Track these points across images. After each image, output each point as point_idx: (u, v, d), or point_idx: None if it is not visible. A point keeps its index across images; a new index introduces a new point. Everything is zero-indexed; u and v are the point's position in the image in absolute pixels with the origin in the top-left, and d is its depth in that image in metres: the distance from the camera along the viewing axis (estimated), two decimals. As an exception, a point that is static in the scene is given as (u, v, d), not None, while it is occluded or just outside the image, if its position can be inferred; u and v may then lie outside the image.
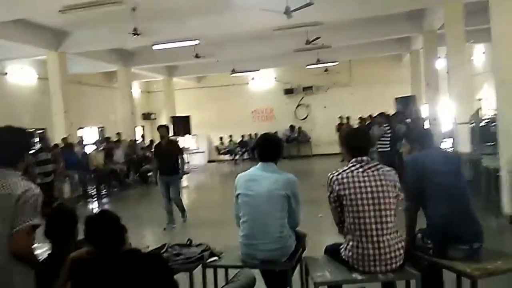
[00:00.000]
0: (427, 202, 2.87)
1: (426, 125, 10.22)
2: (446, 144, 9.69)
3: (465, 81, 9.00)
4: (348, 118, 16.62)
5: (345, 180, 2.73)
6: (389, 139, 8.87)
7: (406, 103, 12.76)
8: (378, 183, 2.69)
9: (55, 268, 2.39)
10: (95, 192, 11.14)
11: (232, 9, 9.32)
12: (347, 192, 2.70)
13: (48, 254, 2.63)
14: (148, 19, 9.48)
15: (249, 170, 3.21)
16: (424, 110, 12.61)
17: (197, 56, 12.49)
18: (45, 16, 9.31)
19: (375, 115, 11.00)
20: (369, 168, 2.75)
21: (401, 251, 2.69)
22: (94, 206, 10.14)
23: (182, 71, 17.13)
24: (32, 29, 9.90)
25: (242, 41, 12.74)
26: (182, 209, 7.34)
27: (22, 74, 12.80)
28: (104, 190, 11.44)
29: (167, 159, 6.93)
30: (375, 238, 2.63)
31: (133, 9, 8.92)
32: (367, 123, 14.12)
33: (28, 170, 2.63)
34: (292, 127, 18.67)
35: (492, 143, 7.56)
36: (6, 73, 12.36)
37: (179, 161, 7.01)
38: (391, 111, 11.74)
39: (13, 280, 2.26)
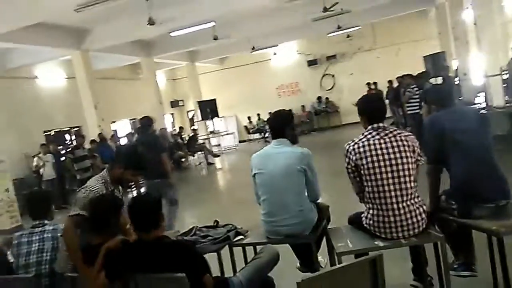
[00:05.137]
0: (450, 162, 2.79)
1: (456, 81, 9.80)
2: (479, 99, 9.31)
3: (493, 30, 8.54)
4: (375, 83, 16.11)
5: (361, 150, 2.69)
6: (418, 100, 8.60)
7: (435, 60, 12.25)
8: (396, 149, 2.63)
9: (92, 256, 2.53)
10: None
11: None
12: (364, 161, 2.67)
13: (87, 243, 2.77)
14: (163, 7, 9.50)
15: (262, 149, 3.23)
16: (454, 66, 12.10)
17: (215, 38, 12.45)
18: (62, 16, 9.50)
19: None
20: (386, 134, 2.69)
21: (423, 216, 2.65)
22: (132, 195, 10.53)
23: (204, 55, 17.15)
24: (53, 31, 10.16)
25: (258, 16, 12.54)
26: None
27: (52, 76, 13.26)
28: (141, 180, 11.81)
29: None
30: (395, 205, 2.61)
31: (146, -1, 8.97)
32: (395, 86, 13.74)
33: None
34: (319, 98, 18.42)
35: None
36: (36, 77, 12.85)
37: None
38: (422, 70, 11.32)
39: None
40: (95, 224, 2.67)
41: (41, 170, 9.84)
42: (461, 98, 9.65)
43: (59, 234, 2.97)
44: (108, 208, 2.67)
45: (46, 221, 3.09)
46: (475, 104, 9.24)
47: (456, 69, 11.58)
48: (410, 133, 2.78)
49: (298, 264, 3.43)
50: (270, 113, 19.65)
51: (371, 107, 2.82)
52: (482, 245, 2.96)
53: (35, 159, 10.06)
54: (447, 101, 2.98)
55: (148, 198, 2.52)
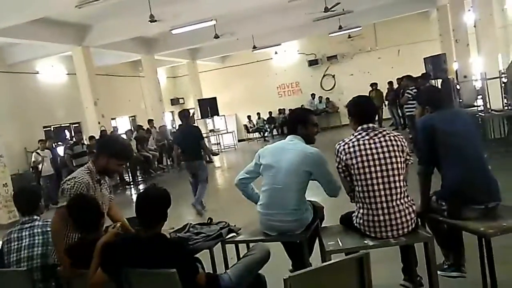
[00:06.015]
0: (441, 164, 2.82)
1: (456, 83, 9.80)
2: (479, 101, 9.30)
3: (493, 33, 8.54)
4: (375, 84, 15.96)
5: (351, 150, 2.73)
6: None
7: (436, 62, 12.25)
8: (385, 149, 2.67)
9: (86, 252, 2.56)
10: (131, 180, 11.58)
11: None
12: (354, 161, 2.71)
13: (79, 238, 2.80)
14: (164, 4, 9.53)
15: (275, 143, 3.29)
16: (454, 68, 12.10)
17: (216, 36, 12.48)
18: (64, 12, 9.54)
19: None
20: (375, 134, 2.74)
21: (412, 215, 2.68)
22: (132, 193, 10.59)
23: (205, 53, 17.17)
24: (55, 27, 10.18)
25: (260, 16, 12.57)
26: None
27: (53, 71, 13.30)
28: (140, 177, 11.88)
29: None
30: (384, 204, 2.64)
31: (148, -4, 9.00)
32: (395, 87, 13.75)
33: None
34: (313, 95, 18.38)
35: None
36: (37, 72, 12.89)
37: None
38: (422, 72, 11.33)
39: None
40: (81, 226, 2.71)
41: (40, 166, 9.86)
42: (461, 100, 9.65)
43: (48, 229, 2.99)
44: (90, 210, 2.70)
45: (35, 217, 3.11)
46: (475, 106, 9.24)
47: (456, 71, 11.58)
48: (399, 133, 2.82)
49: (291, 266, 3.45)
50: (270, 112, 19.72)
51: (360, 109, 2.87)
52: (472, 246, 2.98)
53: (34, 154, 10.08)
54: (440, 103, 3.00)
55: (155, 193, 2.47)
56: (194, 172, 6.77)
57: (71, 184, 2.81)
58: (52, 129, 13.14)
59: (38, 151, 10.04)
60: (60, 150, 11.40)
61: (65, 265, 2.65)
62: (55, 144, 12.07)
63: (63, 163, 10.19)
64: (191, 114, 7.07)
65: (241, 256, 3.23)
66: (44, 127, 12.69)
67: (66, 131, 13.64)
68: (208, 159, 7.25)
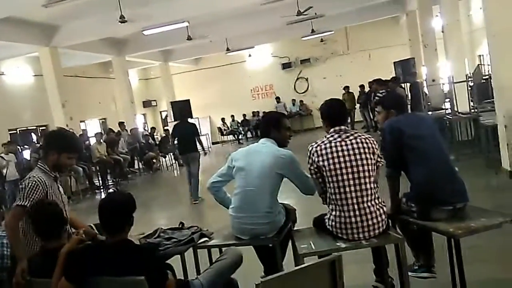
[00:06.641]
0: (408, 167, 2.86)
1: (423, 87, 10.06)
2: (447, 105, 9.57)
3: (460, 38, 8.81)
4: (347, 87, 16.16)
5: (323, 152, 2.74)
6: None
7: (405, 66, 12.54)
8: (356, 151, 2.69)
9: (49, 260, 2.45)
10: (100, 184, 11.29)
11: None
12: (325, 163, 2.71)
13: (40, 247, 2.68)
14: (136, 5, 9.35)
15: (247, 146, 3.27)
16: (423, 72, 12.42)
17: (189, 38, 12.36)
18: (31, 11, 9.24)
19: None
20: (347, 137, 2.76)
21: (383, 217, 2.70)
22: (100, 198, 10.30)
23: (178, 55, 17.01)
24: (21, 26, 9.84)
25: (233, 18, 12.55)
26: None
27: (18, 73, 12.85)
28: (110, 181, 11.59)
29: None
30: (355, 206, 2.65)
31: (118, -4, 8.80)
32: (367, 91, 14.00)
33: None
34: (278, 99, 18.46)
35: (492, 100, 7.46)
36: (2, 73, 12.42)
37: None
38: (392, 75, 11.58)
39: None
40: (42, 234, 2.59)
41: (4, 171, 9.46)
42: (429, 103, 9.90)
43: (5, 241, 2.81)
44: (52, 218, 2.58)
45: None
46: (443, 109, 9.50)
47: (426, 75, 11.88)
48: (370, 136, 2.86)
49: (263, 273, 3.40)
50: (244, 115, 19.67)
51: (332, 111, 2.90)
52: (441, 247, 3.03)
53: (-4, 158, 9.67)
54: (405, 107, 3.06)
55: (118, 199, 2.41)
56: (188, 163, 7.65)
57: (28, 183, 2.70)
58: (18, 132, 12.67)
59: (2, 155, 9.63)
60: (26, 154, 10.99)
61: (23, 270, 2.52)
62: (21, 147, 11.63)
63: (30, 167, 9.82)
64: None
65: (213, 261, 3.18)
66: (10, 130, 12.22)
67: (32, 134, 13.18)
68: (203, 151, 8.20)
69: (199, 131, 8.38)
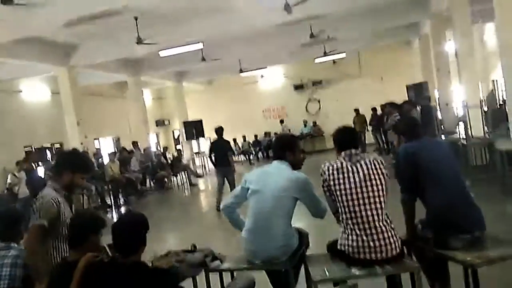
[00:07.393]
0: (424, 192, 2.84)
1: (437, 111, 9.99)
2: (461, 129, 9.47)
3: (474, 62, 8.79)
4: (358, 110, 16.08)
5: (335, 173, 2.79)
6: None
7: (418, 90, 12.52)
8: (366, 172, 2.73)
9: (69, 271, 2.45)
10: (112, 202, 11.33)
11: (232, 9, 9.34)
12: (337, 187, 2.75)
13: (62, 259, 2.69)
14: (152, 27, 9.58)
15: (262, 168, 3.29)
16: (436, 96, 12.38)
17: (203, 59, 12.57)
18: (51, 32, 9.48)
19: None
20: (357, 160, 2.81)
21: (396, 239, 2.69)
22: (113, 216, 10.32)
23: (191, 75, 17.25)
24: (40, 46, 10.11)
25: (247, 40, 12.73)
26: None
27: (36, 91, 13.13)
28: (122, 199, 11.63)
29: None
30: (366, 225, 2.66)
31: (135, 18, 9.05)
32: (379, 113, 13.95)
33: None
34: (282, 121, 18.34)
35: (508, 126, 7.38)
36: (21, 91, 12.72)
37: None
38: (404, 99, 11.54)
39: None
40: (72, 239, 2.59)
41: (15, 188, 9.55)
42: (443, 127, 9.82)
43: (19, 261, 2.81)
44: (87, 224, 2.60)
45: (12, 244, 2.91)
46: (456, 133, 9.41)
47: (438, 99, 11.84)
48: (376, 156, 2.91)
49: None
50: (255, 135, 19.73)
51: (343, 137, 2.97)
52: (458, 276, 2.96)
53: (9, 175, 9.78)
54: (418, 131, 3.06)
55: (131, 220, 2.43)
56: (223, 175, 8.46)
57: (44, 202, 2.74)
58: (33, 149, 12.87)
59: (15, 172, 9.75)
60: (41, 171, 11.13)
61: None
62: (36, 164, 11.78)
63: (44, 185, 9.91)
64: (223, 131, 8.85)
65: (225, 285, 3.15)
66: (25, 146, 12.43)
67: (47, 151, 13.36)
68: (233, 167, 8.66)
69: (233, 149, 9.39)
